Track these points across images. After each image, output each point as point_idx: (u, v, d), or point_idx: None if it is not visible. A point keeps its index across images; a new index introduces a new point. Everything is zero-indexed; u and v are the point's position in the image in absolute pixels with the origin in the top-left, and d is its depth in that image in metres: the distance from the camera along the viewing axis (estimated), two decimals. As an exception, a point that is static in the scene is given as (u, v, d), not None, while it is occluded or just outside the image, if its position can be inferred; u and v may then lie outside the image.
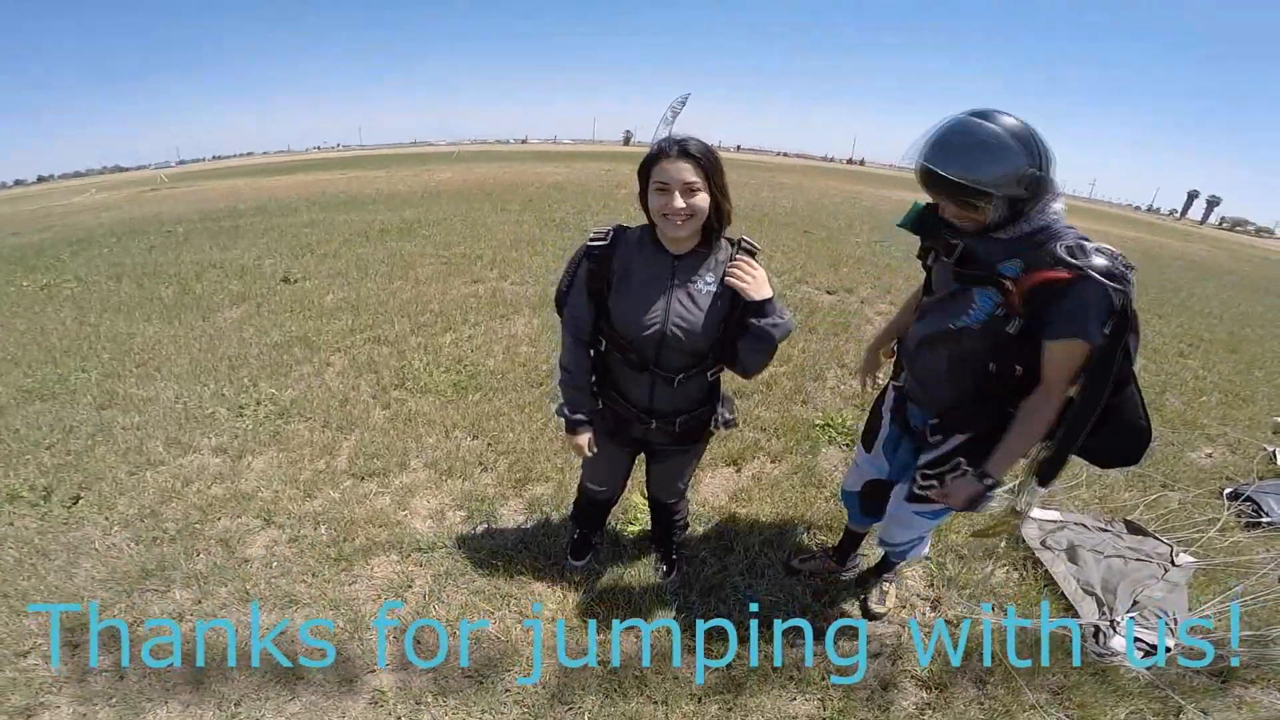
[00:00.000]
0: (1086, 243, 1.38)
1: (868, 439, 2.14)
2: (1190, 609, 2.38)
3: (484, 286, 6.19)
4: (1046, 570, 2.55)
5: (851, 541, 2.45)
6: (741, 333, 1.69)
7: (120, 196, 24.04)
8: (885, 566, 2.40)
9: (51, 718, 1.92)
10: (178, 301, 6.02)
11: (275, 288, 6.35)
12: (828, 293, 6.42)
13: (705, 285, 1.67)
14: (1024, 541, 2.71)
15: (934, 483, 1.76)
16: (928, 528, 2.08)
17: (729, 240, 1.72)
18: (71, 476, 3.11)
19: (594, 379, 1.87)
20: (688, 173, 1.51)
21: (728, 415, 1.95)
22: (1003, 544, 2.68)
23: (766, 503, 2.92)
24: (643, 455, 2.14)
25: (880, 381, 2.18)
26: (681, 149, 1.51)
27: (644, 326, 1.68)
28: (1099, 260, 1.33)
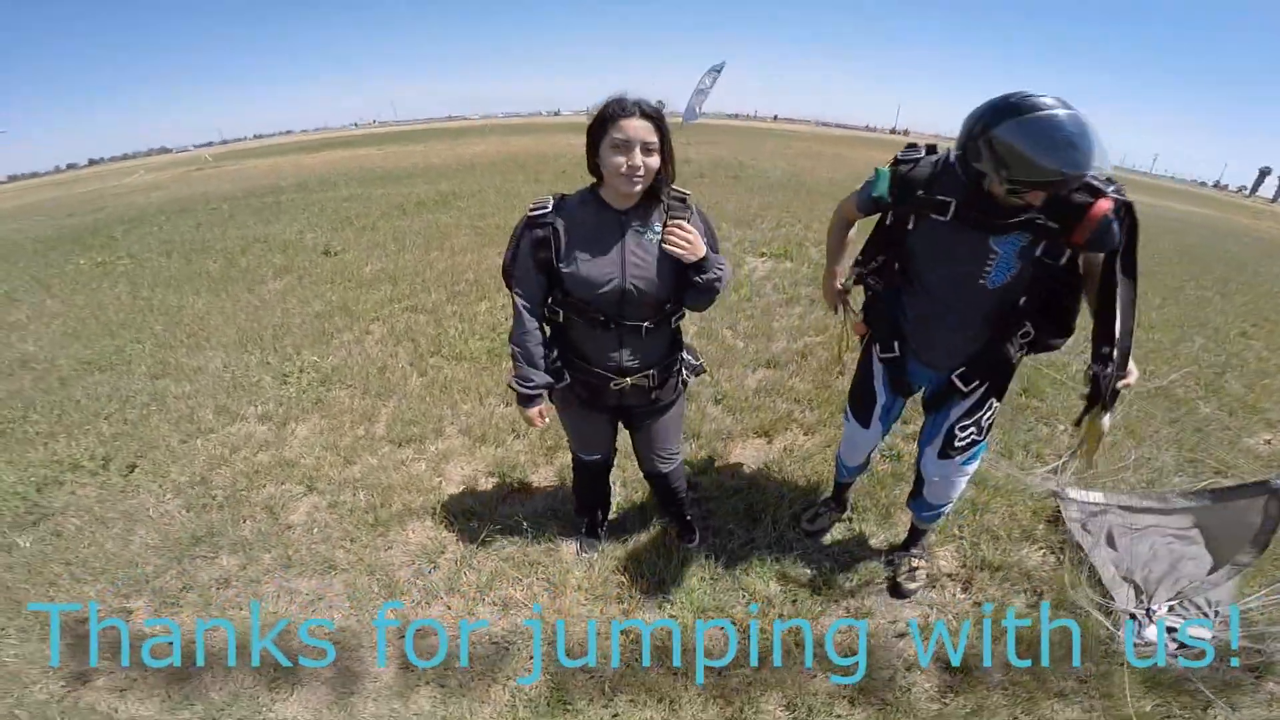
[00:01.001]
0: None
1: (863, 414, 2.18)
2: (1237, 598, 2.27)
3: (517, 258, 6.21)
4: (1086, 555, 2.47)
5: (844, 489, 2.61)
6: (686, 284, 1.75)
7: (168, 176, 24.80)
8: (914, 538, 2.38)
9: (106, 682, 2.00)
10: (224, 275, 6.23)
11: (316, 260, 6.51)
12: (867, 263, 6.26)
13: (654, 234, 1.70)
14: (1063, 524, 2.62)
15: (972, 431, 1.93)
16: (971, 473, 2.10)
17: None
18: (128, 445, 3.27)
19: (555, 354, 1.88)
20: (647, 132, 1.55)
21: (694, 361, 2.04)
22: (1041, 526, 2.60)
23: (798, 474, 2.89)
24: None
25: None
26: (642, 109, 1.54)
27: (601, 284, 1.69)
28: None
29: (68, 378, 4.10)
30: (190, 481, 2.96)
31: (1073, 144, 1.37)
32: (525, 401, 1.88)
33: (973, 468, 2.08)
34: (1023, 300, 1.72)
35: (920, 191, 1.69)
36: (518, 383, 1.86)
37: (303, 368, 3.99)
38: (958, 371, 1.87)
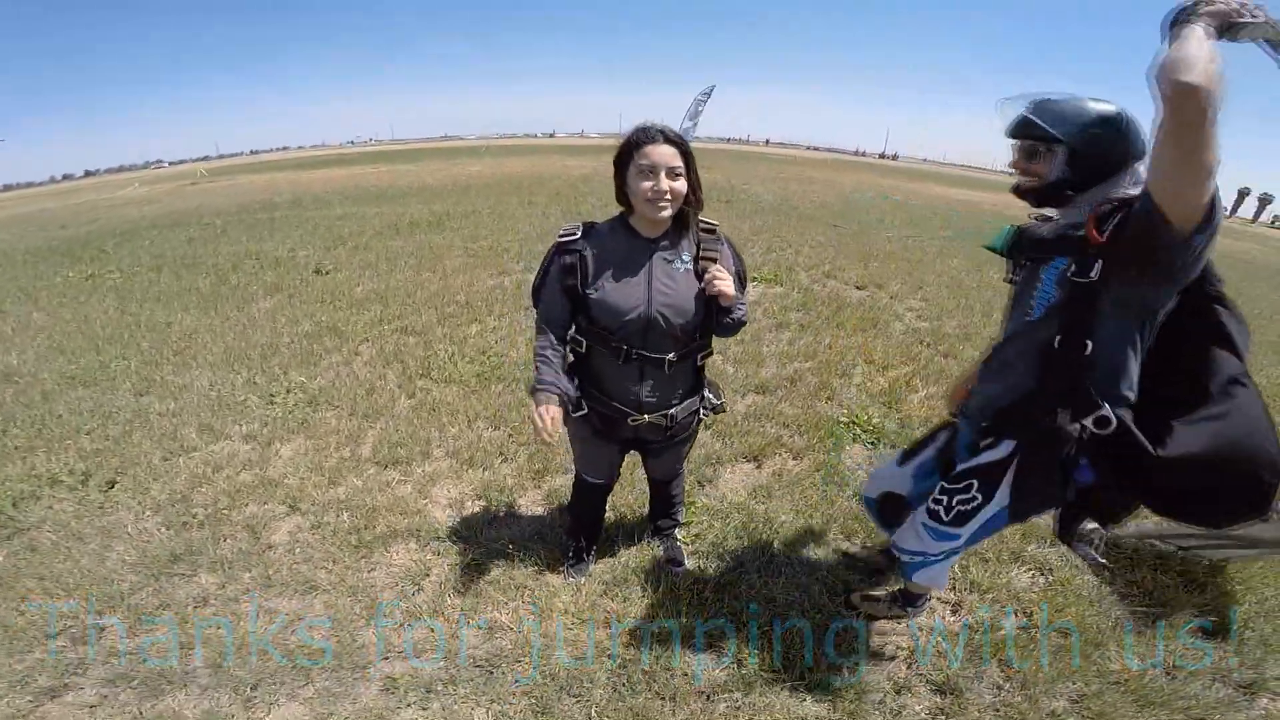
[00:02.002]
0: None
1: (908, 456, 2.05)
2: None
3: (509, 279, 6.24)
4: (1075, 575, 2.47)
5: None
6: (713, 318, 1.81)
7: (162, 190, 24.84)
8: (907, 598, 2.19)
9: (75, 698, 1.97)
10: (214, 292, 6.20)
11: (308, 279, 6.50)
12: (857, 288, 6.32)
13: (682, 264, 1.74)
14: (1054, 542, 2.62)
15: (943, 502, 1.73)
16: (934, 548, 1.85)
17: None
18: (109, 461, 3.22)
19: (576, 383, 1.89)
20: (672, 157, 1.60)
21: (715, 400, 2.03)
22: (1030, 547, 2.60)
23: (786, 499, 2.88)
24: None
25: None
26: (665, 135, 1.60)
27: (626, 311, 1.71)
28: None
29: (50, 392, 4.04)
30: (171, 499, 2.91)
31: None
32: (533, 393, 1.80)
33: (929, 541, 1.83)
34: (1086, 347, 1.44)
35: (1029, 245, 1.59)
36: (535, 380, 1.82)
37: (290, 388, 3.96)
38: (983, 424, 1.69)
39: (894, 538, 2.01)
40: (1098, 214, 1.39)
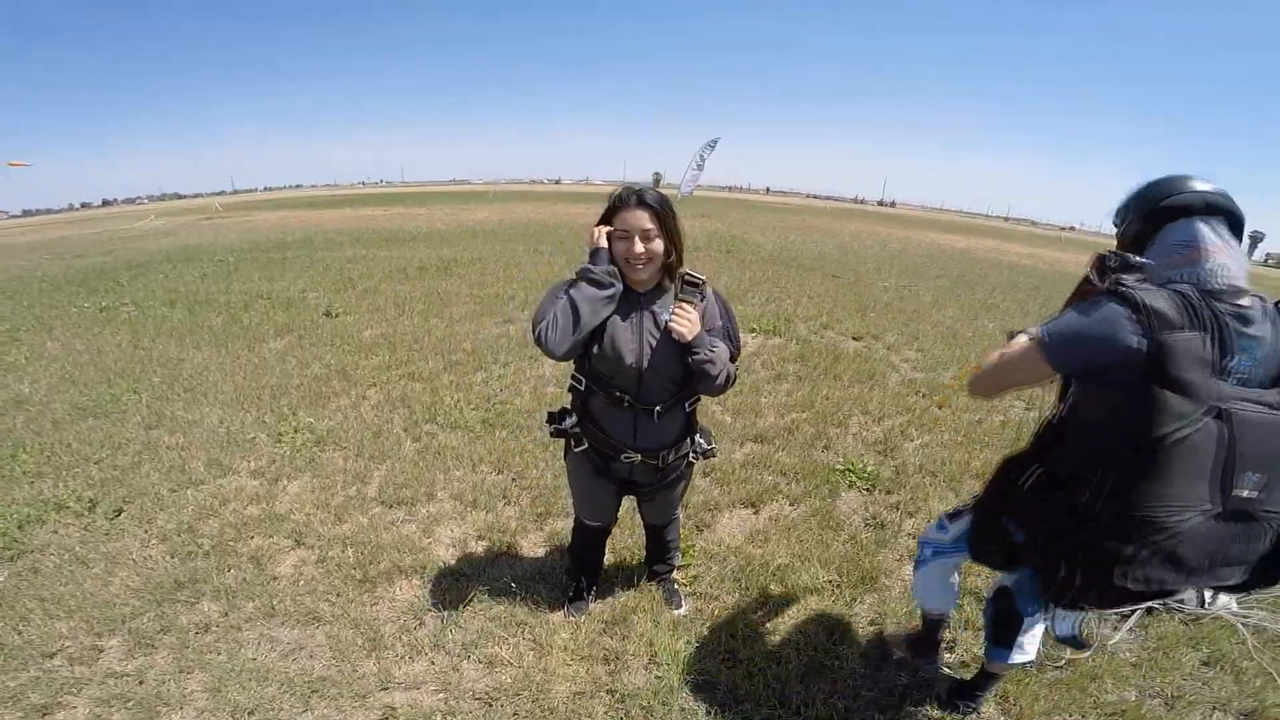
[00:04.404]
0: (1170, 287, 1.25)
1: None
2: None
3: (515, 327, 6.36)
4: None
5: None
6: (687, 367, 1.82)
7: (178, 223, 25.34)
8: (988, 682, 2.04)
9: (67, 716, 2.01)
10: (226, 330, 6.33)
11: (318, 321, 6.63)
12: (853, 339, 6.44)
13: (666, 316, 1.80)
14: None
15: None
16: (931, 536, 1.98)
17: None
18: (116, 490, 3.28)
19: (575, 419, 1.97)
20: (645, 220, 1.69)
21: (705, 445, 2.09)
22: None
23: (783, 544, 2.93)
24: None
25: None
26: (639, 199, 1.70)
27: (623, 360, 1.80)
28: (1142, 291, 1.21)
29: (61, 421, 4.12)
30: (177, 529, 2.97)
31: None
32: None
33: (931, 531, 1.99)
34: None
35: None
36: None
37: (298, 428, 4.03)
38: None
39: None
40: None
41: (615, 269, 1.77)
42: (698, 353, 1.75)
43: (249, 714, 2.01)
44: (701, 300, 1.79)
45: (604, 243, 1.76)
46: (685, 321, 1.72)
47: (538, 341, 1.77)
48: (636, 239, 1.70)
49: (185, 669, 2.18)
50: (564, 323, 1.74)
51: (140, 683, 2.12)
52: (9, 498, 3.19)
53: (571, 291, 1.76)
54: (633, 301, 1.83)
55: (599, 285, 1.75)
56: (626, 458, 1.96)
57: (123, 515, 3.09)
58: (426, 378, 4.97)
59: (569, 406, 2.02)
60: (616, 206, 1.73)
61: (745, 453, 3.85)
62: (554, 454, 3.68)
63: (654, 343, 1.81)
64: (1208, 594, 1.38)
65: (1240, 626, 2.33)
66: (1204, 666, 2.30)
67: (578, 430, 1.99)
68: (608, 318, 1.79)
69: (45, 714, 2.00)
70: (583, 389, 1.92)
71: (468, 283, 8.49)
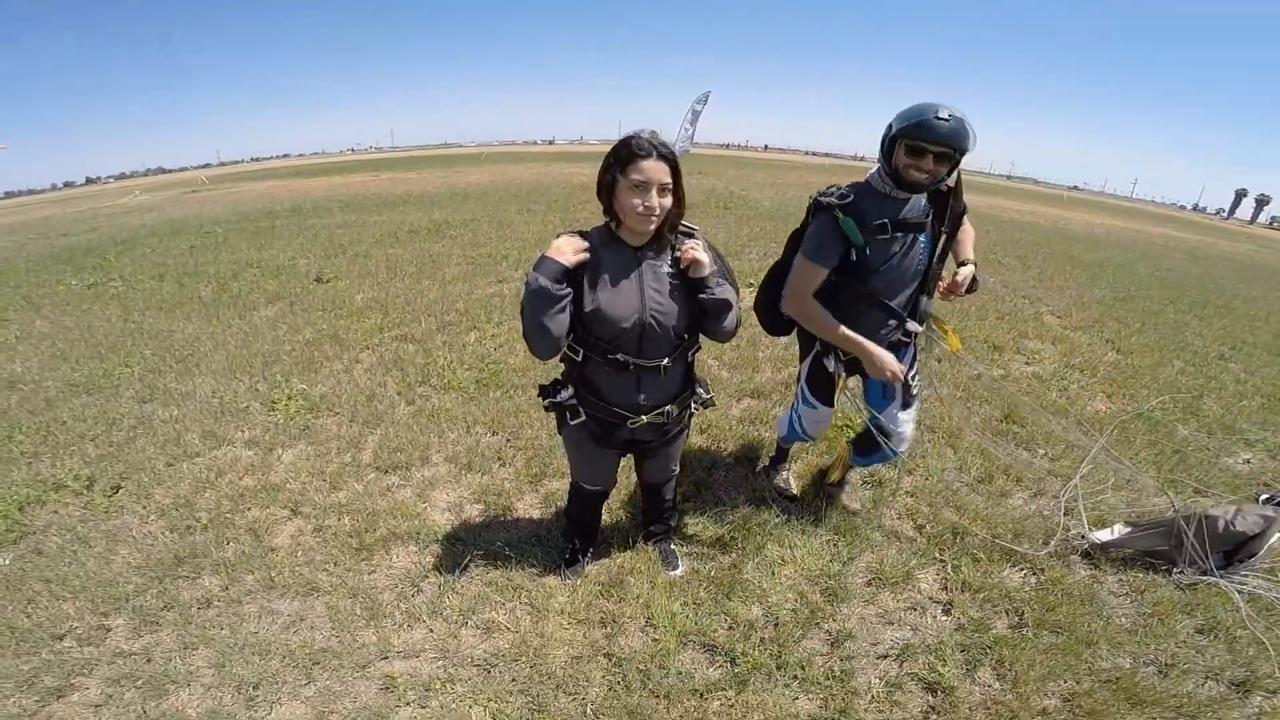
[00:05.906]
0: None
1: (826, 397, 2.58)
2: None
3: (508, 286, 6.29)
4: (1065, 574, 2.51)
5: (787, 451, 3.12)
6: (699, 312, 1.84)
7: (163, 198, 24.92)
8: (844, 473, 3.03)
9: (80, 698, 2.02)
10: (216, 300, 6.25)
11: (308, 287, 6.55)
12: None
13: (666, 268, 1.77)
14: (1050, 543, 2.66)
15: (919, 378, 2.54)
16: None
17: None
18: (113, 467, 3.27)
19: (571, 391, 1.93)
20: (665, 173, 1.61)
21: (705, 395, 2.09)
22: (1024, 546, 2.63)
23: (779, 501, 2.92)
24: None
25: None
26: (659, 151, 1.60)
27: (623, 320, 1.74)
28: None
29: (54, 399, 4.09)
30: (175, 504, 2.96)
31: (955, 118, 1.85)
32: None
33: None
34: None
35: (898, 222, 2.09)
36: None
37: (291, 395, 4.00)
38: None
39: (899, 448, 2.56)
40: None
41: (562, 282, 1.68)
42: (712, 289, 1.76)
43: (254, 688, 2.02)
44: (697, 243, 1.79)
45: (565, 261, 1.67)
46: (698, 249, 1.73)
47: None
48: (654, 191, 1.60)
49: (190, 645, 2.19)
50: (533, 332, 1.72)
51: (148, 660, 2.13)
52: (8, 479, 3.17)
53: (526, 312, 1.70)
54: (629, 257, 1.76)
55: (549, 300, 1.66)
56: (631, 423, 1.92)
57: (121, 492, 3.08)
58: (419, 339, 4.92)
59: (562, 378, 1.97)
60: (636, 155, 1.59)
61: (742, 408, 3.82)
62: (548, 413, 3.66)
63: (657, 294, 1.76)
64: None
65: (1234, 594, 2.36)
66: (1198, 634, 2.29)
67: (574, 403, 1.94)
68: (598, 286, 1.74)
69: (60, 696, 2.02)
70: (579, 359, 1.86)
71: (460, 244, 8.37)
